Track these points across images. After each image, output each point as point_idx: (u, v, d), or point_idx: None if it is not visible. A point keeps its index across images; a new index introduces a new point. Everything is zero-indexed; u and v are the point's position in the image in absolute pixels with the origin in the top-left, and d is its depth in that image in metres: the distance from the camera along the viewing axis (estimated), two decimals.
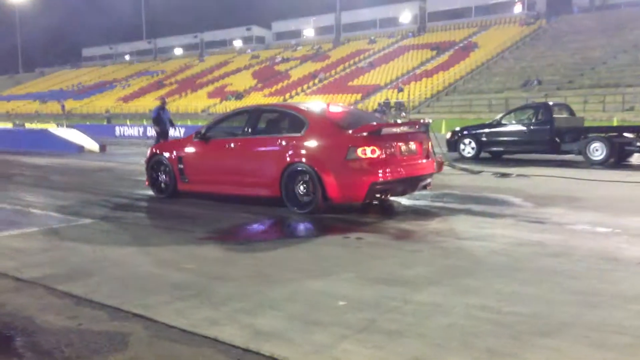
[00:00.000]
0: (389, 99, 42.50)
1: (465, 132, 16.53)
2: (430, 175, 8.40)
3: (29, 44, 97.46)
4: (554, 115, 15.16)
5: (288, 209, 7.86)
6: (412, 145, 7.99)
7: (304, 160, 7.69)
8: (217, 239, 6.33)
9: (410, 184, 8.03)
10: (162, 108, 16.51)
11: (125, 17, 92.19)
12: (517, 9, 59.62)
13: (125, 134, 34.00)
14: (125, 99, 64.25)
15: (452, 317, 3.82)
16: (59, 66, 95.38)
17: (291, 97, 51.54)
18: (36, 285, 4.65)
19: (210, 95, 58.31)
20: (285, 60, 64.55)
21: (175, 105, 57.01)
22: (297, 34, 75.26)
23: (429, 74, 48.05)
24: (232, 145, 8.64)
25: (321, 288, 4.50)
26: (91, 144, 21.64)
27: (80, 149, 20.78)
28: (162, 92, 62.93)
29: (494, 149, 16.12)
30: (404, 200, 8.76)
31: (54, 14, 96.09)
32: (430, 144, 8.47)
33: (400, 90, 45.18)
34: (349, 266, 5.15)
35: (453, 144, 16.43)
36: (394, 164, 7.56)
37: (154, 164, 9.67)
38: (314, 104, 9.31)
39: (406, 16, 66.49)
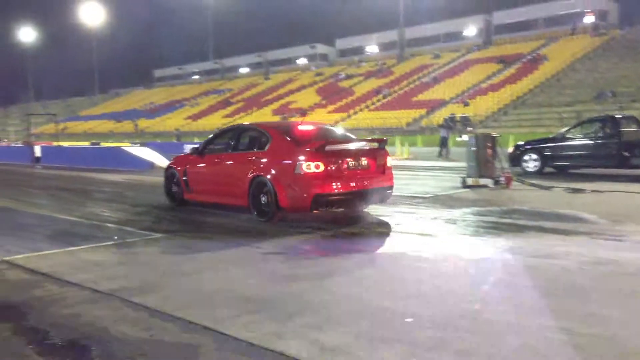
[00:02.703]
0: (454, 114, 41.92)
1: (528, 147, 16.11)
2: (387, 188, 8.90)
3: (105, 67, 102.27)
4: (621, 129, 14.54)
5: (255, 217, 8.66)
6: (364, 161, 8.57)
7: (263, 173, 8.53)
8: (282, 254, 6.39)
9: (361, 196, 8.49)
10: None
11: (193, 39, 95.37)
12: (588, 19, 57.76)
13: None
14: (194, 117, 66.18)
15: (524, 337, 3.69)
16: (133, 87, 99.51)
17: (355, 113, 51.70)
18: (112, 297, 4.83)
19: (275, 112, 59.26)
20: (349, 76, 64.90)
21: (242, 122, 58.26)
22: (360, 50, 75.60)
23: (495, 87, 47.16)
24: (218, 160, 9.74)
25: (388, 305, 4.46)
26: (162, 161, 22.34)
27: (151, 166, 21.48)
28: (229, 110, 64.50)
29: (559, 163, 15.61)
30: (469, 216, 8.59)
31: (127, 38, 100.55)
32: (387, 159, 9.01)
33: (466, 104, 44.52)
34: (415, 283, 5.08)
35: (516, 159, 15.99)
36: (340, 178, 8.20)
37: (168, 176, 10.86)
38: (286, 122, 10.12)
39: (471, 30, 65.65)
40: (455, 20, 67.12)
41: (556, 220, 8.20)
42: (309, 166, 8.02)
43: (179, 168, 10.58)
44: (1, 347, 3.78)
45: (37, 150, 27.89)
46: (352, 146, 8.69)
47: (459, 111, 43.50)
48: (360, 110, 52.31)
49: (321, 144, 8.23)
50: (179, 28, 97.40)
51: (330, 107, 55.22)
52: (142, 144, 33.99)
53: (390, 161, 9.11)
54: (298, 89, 66.15)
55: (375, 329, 3.92)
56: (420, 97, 50.65)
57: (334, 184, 8.10)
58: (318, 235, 7.46)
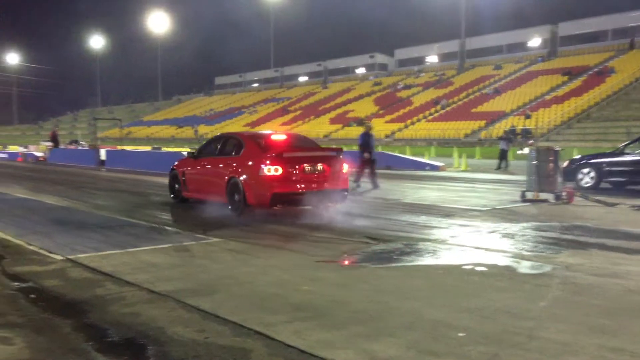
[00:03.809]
0: (515, 126, 40.99)
1: (584, 161, 15.55)
2: (341, 190, 10.25)
3: (168, 74, 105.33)
4: None
5: (229, 211, 10.12)
6: (319, 166, 9.91)
7: (236, 175, 10.04)
8: (334, 263, 6.40)
9: (315, 196, 9.81)
10: (367, 134, 15.59)
11: (254, 47, 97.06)
12: None
13: None
14: (252, 125, 67.19)
15: (581, 357, 3.57)
16: (194, 94, 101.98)
17: (412, 123, 51.30)
18: (168, 298, 4.95)
19: (333, 121, 59.49)
20: (407, 86, 64.51)
21: (299, 130, 58.74)
22: (420, 60, 75.02)
23: (559, 100, 45.85)
24: (206, 163, 11.31)
25: (440, 318, 4.39)
26: None
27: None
28: (287, 118, 65.18)
29: (616, 179, 14.98)
30: (528, 231, 8.37)
31: (190, 46, 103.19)
32: (343, 165, 10.26)
33: (528, 117, 43.45)
34: (470, 297, 4.98)
35: (570, 173, 15.40)
36: (297, 180, 9.67)
37: (172, 177, 12.49)
38: (260, 132, 12.12)
39: (535, 40, 64.07)
40: (519, 31, 65.68)
41: (621, 238, 7.89)
42: (270, 169, 9.55)
43: (179, 170, 12.15)
44: (62, 343, 3.93)
45: (102, 154, 28.88)
46: (309, 154, 10.18)
47: (520, 123, 42.51)
48: (418, 120, 51.86)
49: (280, 152, 9.80)
50: (240, 37, 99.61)
51: (388, 117, 55.01)
52: None
53: (346, 167, 10.39)
54: (356, 98, 66.21)
55: (427, 342, 3.87)
56: (480, 108, 49.80)
57: (291, 185, 9.62)
58: (370, 245, 7.43)
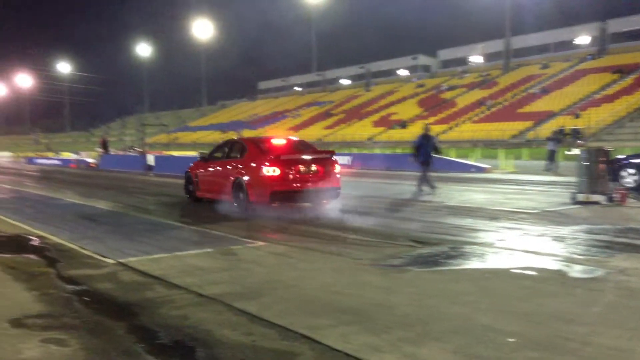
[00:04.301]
0: (563, 126, 40.00)
1: (626, 161, 15.04)
2: (334, 189, 11.31)
3: (212, 80, 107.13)
4: None
5: (235, 208, 11.30)
6: (313, 167, 11.02)
7: (240, 176, 11.31)
8: (380, 267, 6.37)
9: (310, 193, 10.89)
10: (425, 136, 14.93)
11: (297, 51, 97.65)
12: None
13: None
14: (296, 129, 67.56)
15: None
16: (238, 99, 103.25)
17: (457, 125, 50.67)
18: (215, 301, 5.02)
19: (376, 124, 59.28)
20: (451, 88, 63.75)
21: (342, 133, 58.76)
22: (464, 61, 74.02)
23: (610, 98, 44.52)
24: (215, 165, 12.71)
25: (489, 323, 4.33)
26: None
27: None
28: (330, 121, 65.31)
29: None
30: (580, 234, 8.15)
31: (234, 51, 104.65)
32: (335, 166, 11.37)
33: (577, 116, 42.35)
34: (519, 302, 4.89)
35: (614, 173, 14.90)
36: (293, 179, 10.81)
37: (187, 178, 13.89)
38: (262, 137, 13.52)
39: (584, 38, 62.41)
40: (566, 28, 64.09)
41: None
42: (269, 170, 10.72)
43: (193, 172, 13.57)
44: (114, 344, 4.04)
45: (151, 159, 29.53)
46: (304, 156, 11.17)
47: (569, 123, 41.46)
48: (463, 122, 51.17)
49: (278, 154, 10.99)
50: (283, 41, 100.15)
51: (431, 119, 54.45)
52: None
53: (338, 168, 11.53)
54: (399, 101, 65.81)
55: (474, 347, 3.82)
56: (527, 108, 48.80)
57: (288, 183, 10.78)
58: (415, 248, 7.37)
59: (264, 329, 4.27)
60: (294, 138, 13.11)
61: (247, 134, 69.22)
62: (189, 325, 4.37)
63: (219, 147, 13.46)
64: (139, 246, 7.69)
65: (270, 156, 10.96)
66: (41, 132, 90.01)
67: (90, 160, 39.14)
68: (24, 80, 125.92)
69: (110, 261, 6.76)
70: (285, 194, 10.80)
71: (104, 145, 37.27)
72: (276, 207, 10.96)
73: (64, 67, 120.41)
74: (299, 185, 10.86)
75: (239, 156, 11.91)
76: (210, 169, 12.86)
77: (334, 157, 11.65)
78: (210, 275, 6.03)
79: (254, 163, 11.14)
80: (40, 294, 5.33)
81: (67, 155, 52.53)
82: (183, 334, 4.20)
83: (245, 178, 11.15)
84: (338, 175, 11.50)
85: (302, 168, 10.95)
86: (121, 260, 6.73)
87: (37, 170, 34.69)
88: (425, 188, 14.31)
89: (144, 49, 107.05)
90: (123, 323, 4.46)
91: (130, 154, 38.49)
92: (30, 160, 49.77)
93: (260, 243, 7.85)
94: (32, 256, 7.17)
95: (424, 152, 14.72)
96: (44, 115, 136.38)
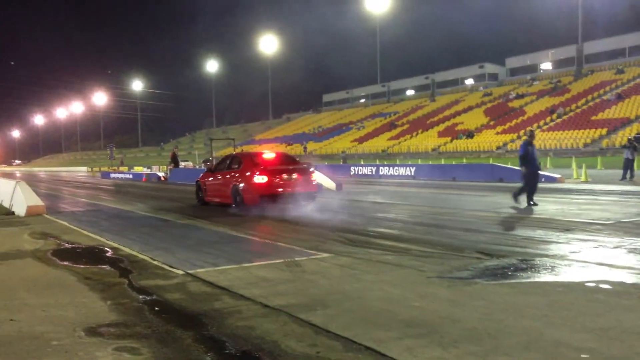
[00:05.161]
0: None
1: None
2: (311, 192, 14.41)
3: (278, 93, 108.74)
4: None
5: (234, 208, 14.53)
6: (294, 175, 14.07)
7: (237, 183, 14.51)
8: (446, 279, 6.26)
9: (291, 196, 13.81)
10: (529, 143, 13.55)
11: (361, 63, 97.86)
12: None
13: (359, 172, 35.61)
14: (360, 140, 67.61)
15: None
16: (303, 112, 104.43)
17: (526, 134, 49.24)
18: (281, 312, 5.07)
19: (441, 134, 58.53)
20: (519, 96, 62.18)
21: (407, 144, 58.33)
22: (533, 68, 72.13)
23: None
24: (219, 175, 15.82)
25: (561, 338, 4.17)
26: (329, 183, 23.02)
27: (319, 187, 22.14)
28: (394, 132, 64.96)
29: None
30: None
31: (298, 65, 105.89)
32: (312, 175, 14.52)
33: None
34: (594, 316, 4.69)
35: None
36: (278, 185, 13.79)
37: (197, 186, 17.25)
38: (254, 152, 17.41)
39: None
40: None
41: None
42: (258, 179, 13.79)
43: (202, 181, 16.89)
44: (184, 354, 4.14)
45: None
46: (287, 167, 14.37)
47: None
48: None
49: (266, 166, 14.14)
50: (347, 53, 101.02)
51: (499, 128, 53.28)
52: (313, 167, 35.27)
53: (314, 176, 14.70)
54: (465, 110, 64.75)
55: None
56: (601, 115, 46.97)
57: (273, 188, 13.73)
58: (482, 260, 7.19)
59: (329, 341, 4.27)
60: (280, 152, 16.37)
61: (312, 146, 69.92)
62: (255, 336, 4.43)
63: (222, 161, 16.67)
64: (206, 257, 7.88)
65: (260, 167, 14.08)
66: (115, 148, 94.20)
67: (160, 174, 40.53)
68: (100, 98, 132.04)
69: (180, 272, 6.95)
70: (272, 196, 13.71)
71: (174, 159, 38.47)
72: (264, 206, 13.74)
73: (136, 85, 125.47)
74: (282, 189, 13.79)
75: (236, 167, 15.07)
76: (215, 179, 16.01)
77: (311, 169, 14.86)
78: (276, 286, 6.10)
79: (247, 173, 14.22)
80: (113, 304, 5.54)
81: (139, 169, 54.51)
82: (250, 344, 4.26)
83: (241, 185, 14.29)
84: (314, 182, 14.71)
85: (285, 176, 13.94)
86: (190, 272, 6.91)
87: (111, 184, 36.18)
88: (522, 199, 13.27)
89: (212, 66, 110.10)
90: (192, 332, 4.58)
91: (201, 167, 39.51)
92: (105, 175, 51.96)
93: (325, 255, 7.87)
94: (106, 267, 7.47)
95: (533, 160, 13.32)
96: (118, 131, 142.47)
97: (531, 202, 13.15)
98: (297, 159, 16.73)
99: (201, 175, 17.49)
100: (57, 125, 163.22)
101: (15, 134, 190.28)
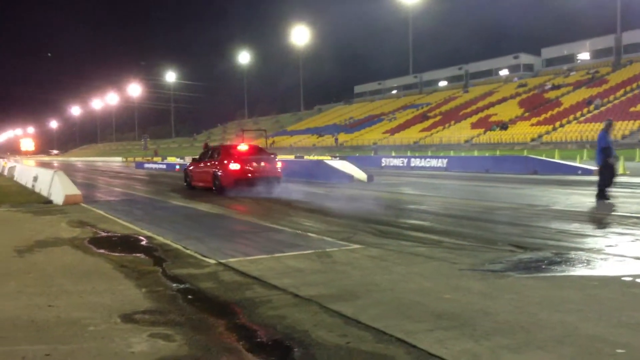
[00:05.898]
0: None
1: None
2: (276, 177, 17.35)
3: (309, 84, 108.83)
4: None
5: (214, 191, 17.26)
6: (262, 163, 17.35)
7: (216, 170, 17.46)
8: (478, 272, 6.20)
9: (260, 180, 16.77)
10: (607, 132, 12.59)
11: (393, 54, 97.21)
12: None
13: (391, 164, 35.46)
14: (391, 132, 67.22)
15: None
16: (334, 103, 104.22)
17: (562, 125, 48.40)
18: (311, 302, 5.10)
19: (474, 125, 57.80)
20: (555, 87, 60.96)
21: (439, 136, 57.79)
22: (569, 59, 70.52)
23: None
24: (202, 164, 18.95)
25: (596, 333, 4.10)
26: (360, 174, 22.98)
27: (350, 179, 22.17)
28: (426, 124, 64.40)
29: None
30: None
31: (330, 56, 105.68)
32: (277, 162, 17.72)
33: None
34: (630, 311, 4.59)
35: None
36: (248, 171, 16.96)
37: (185, 173, 20.52)
38: (231, 145, 20.02)
39: None
40: None
41: None
42: (233, 166, 16.94)
43: (189, 168, 20.06)
44: (216, 341, 4.20)
45: None
46: (256, 157, 17.56)
47: None
48: (568, 122, 48.79)
49: (240, 156, 17.29)
50: (379, 44, 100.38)
51: (534, 120, 52.37)
52: (342, 158, 35.31)
53: (279, 164, 17.77)
54: (499, 101, 63.76)
55: (581, 358, 3.63)
56: None
57: (245, 174, 16.92)
58: (516, 253, 7.10)
59: (359, 331, 4.28)
60: (252, 144, 19.24)
61: (343, 137, 69.84)
62: (286, 326, 4.47)
63: (205, 152, 19.53)
64: (238, 247, 7.96)
65: (234, 157, 17.32)
66: (149, 139, 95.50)
67: None
68: (134, 89, 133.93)
69: (212, 261, 7.03)
70: (244, 180, 16.81)
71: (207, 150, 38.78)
72: (238, 189, 16.49)
73: (170, 76, 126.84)
74: (252, 175, 16.98)
75: (216, 156, 18.13)
76: (199, 167, 19.13)
77: (277, 158, 18.26)
78: (306, 277, 6.13)
79: (225, 161, 17.27)
80: (148, 291, 5.64)
81: (173, 159, 55.22)
82: (281, 333, 4.29)
83: (219, 172, 17.26)
84: (279, 169, 17.65)
85: (254, 164, 17.16)
86: (222, 261, 6.99)
87: (145, 174, 36.74)
88: (609, 194, 12.31)
89: (244, 57, 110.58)
90: (224, 321, 4.63)
91: None
92: (139, 165, 52.77)
93: (356, 246, 7.87)
94: (141, 255, 7.60)
95: (612, 154, 12.48)
96: (151, 122, 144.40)
97: (608, 197, 12.27)
98: (266, 150, 19.82)
99: (188, 164, 21.12)
100: (93, 116, 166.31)
101: (53, 124, 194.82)
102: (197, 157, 20.14)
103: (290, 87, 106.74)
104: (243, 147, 17.98)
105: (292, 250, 7.64)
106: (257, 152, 18.53)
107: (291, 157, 45.04)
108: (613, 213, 10.72)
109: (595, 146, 12.84)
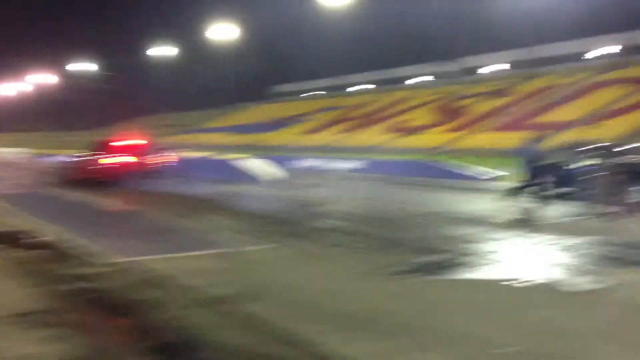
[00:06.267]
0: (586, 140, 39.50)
1: None
2: (154, 171, 16.89)
3: (230, 83, 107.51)
4: None
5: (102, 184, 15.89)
6: (142, 157, 17.12)
7: (94, 163, 17.18)
8: (384, 272, 6.24)
9: (140, 174, 16.43)
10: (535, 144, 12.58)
11: (314, 57, 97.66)
12: None
13: (307, 165, 35.52)
14: (308, 133, 67.53)
15: None
16: (252, 102, 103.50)
17: (472, 133, 50.37)
18: (220, 302, 4.99)
19: (389, 130, 59.05)
20: (464, 97, 63.37)
21: (356, 138, 58.68)
22: (484, 69, 73.60)
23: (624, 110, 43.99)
24: (83, 158, 18.31)
25: (491, 335, 4.25)
26: (275, 174, 22.74)
27: (265, 178, 21.73)
28: (344, 126, 65.25)
29: None
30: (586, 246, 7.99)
31: (250, 55, 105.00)
32: (158, 156, 17.63)
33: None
34: (513, 313, 4.81)
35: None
36: (129, 164, 16.75)
37: (62, 168, 20.24)
38: (112, 139, 19.37)
39: (609, 48, 61.53)
40: (590, 38, 63.43)
41: None
42: (113, 159, 16.83)
43: (66, 163, 19.96)
44: (114, 343, 4.02)
45: None
46: (136, 150, 17.39)
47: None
48: (479, 130, 50.84)
49: (119, 150, 17.26)
50: (299, 46, 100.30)
51: (447, 126, 54.21)
52: (259, 157, 34.98)
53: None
54: (412, 108, 65.53)
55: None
56: (544, 118, 48.43)
57: (125, 167, 16.62)
58: (422, 256, 7.25)
59: (267, 332, 4.23)
60: (134, 138, 18.78)
61: (261, 136, 69.51)
62: (192, 326, 4.34)
63: (93, 146, 18.96)
64: (144, 245, 7.76)
65: (113, 150, 17.21)
66: (57, 130, 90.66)
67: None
68: (45, 78, 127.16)
69: (114, 260, 6.72)
70: (124, 174, 16.40)
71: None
72: (126, 183, 15.98)
73: (77, 67, 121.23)
74: (132, 168, 16.62)
75: (96, 151, 17.73)
76: (79, 161, 18.49)
77: (160, 152, 18.07)
78: (216, 276, 6.00)
79: (104, 154, 17.16)
80: (42, 291, 5.33)
81: (71, 152, 52.74)
82: (184, 334, 4.17)
83: (98, 166, 16.98)
84: (161, 165, 17.34)
85: (136, 158, 16.95)
86: (125, 259, 6.71)
87: (47, 167, 34.84)
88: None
89: (159, 51, 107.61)
90: (124, 322, 4.46)
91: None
92: (42, 157, 50.06)
93: (267, 246, 7.80)
94: (36, 252, 7.17)
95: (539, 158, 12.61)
96: (56, 115, 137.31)
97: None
98: (149, 143, 18.97)
99: (67, 160, 20.97)
100: None
101: None
102: (84, 151, 19.08)
103: (213, 84, 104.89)
104: (123, 140, 18.06)
105: (202, 249, 7.47)
106: (138, 145, 18.18)
107: (205, 154, 44.12)
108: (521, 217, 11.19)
109: (509, 155, 13.26)
